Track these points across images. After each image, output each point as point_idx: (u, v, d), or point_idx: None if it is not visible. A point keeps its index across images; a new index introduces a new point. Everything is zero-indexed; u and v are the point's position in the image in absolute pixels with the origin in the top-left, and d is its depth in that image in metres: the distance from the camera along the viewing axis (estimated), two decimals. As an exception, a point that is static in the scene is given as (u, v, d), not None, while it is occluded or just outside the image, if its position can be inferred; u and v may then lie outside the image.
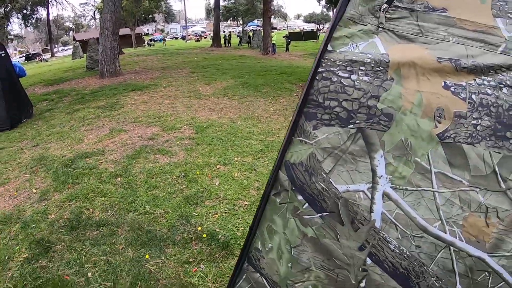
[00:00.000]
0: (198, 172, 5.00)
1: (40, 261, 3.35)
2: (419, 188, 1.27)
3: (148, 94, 10.81)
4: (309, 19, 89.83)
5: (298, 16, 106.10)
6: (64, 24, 77.26)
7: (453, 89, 1.19)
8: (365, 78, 1.29)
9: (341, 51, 1.33)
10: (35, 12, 49.90)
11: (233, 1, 55.53)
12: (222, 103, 9.30)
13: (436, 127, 1.22)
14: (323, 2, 52.03)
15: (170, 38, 74.80)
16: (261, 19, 33.54)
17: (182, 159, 5.54)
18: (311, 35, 46.86)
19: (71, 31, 74.83)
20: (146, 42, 53.45)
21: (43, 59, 45.45)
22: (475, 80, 1.17)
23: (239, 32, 52.31)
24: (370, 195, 1.34)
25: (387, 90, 1.27)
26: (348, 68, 1.31)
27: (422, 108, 1.23)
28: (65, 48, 67.39)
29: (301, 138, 1.45)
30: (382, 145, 1.30)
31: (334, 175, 1.39)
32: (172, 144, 6.22)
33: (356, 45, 1.31)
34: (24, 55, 53.54)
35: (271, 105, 8.95)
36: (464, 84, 1.18)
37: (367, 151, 1.33)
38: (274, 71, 14.79)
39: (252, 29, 48.06)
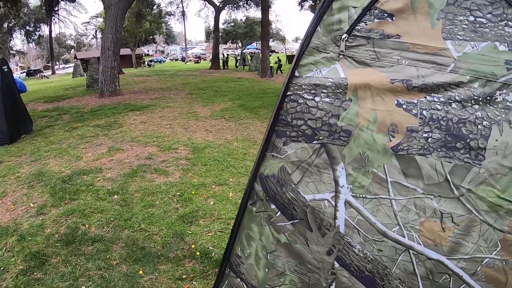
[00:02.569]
0: (193, 192, 5.10)
1: (35, 274, 3.41)
2: (377, 196, 1.41)
3: (147, 115, 11.00)
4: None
5: (296, 39, 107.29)
6: (66, 42, 77.92)
7: (405, 107, 1.33)
8: (327, 99, 1.45)
9: (307, 76, 1.49)
10: (38, 29, 50.70)
11: (233, 24, 56.32)
12: (219, 124, 9.46)
13: (390, 141, 1.35)
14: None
15: (170, 59, 75.42)
16: (260, 42, 34.05)
17: (178, 179, 5.65)
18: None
19: (73, 49, 75.37)
20: (146, 62, 53.67)
21: (44, 75, 45.57)
22: (425, 97, 1.30)
23: (237, 55, 52.73)
24: (333, 203, 1.49)
25: (346, 109, 1.42)
26: (312, 91, 1.47)
27: (377, 125, 1.36)
28: (66, 66, 67.61)
29: (273, 153, 1.61)
30: (343, 158, 1.45)
31: (302, 186, 1.54)
32: (168, 164, 6.34)
33: (320, 71, 1.46)
34: (26, 71, 53.65)
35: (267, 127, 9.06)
36: (415, 101, 1.31)
37: (329, 164, 1.48)
38: (271, 93, 15.03)
39: (251, 52, 48.59)
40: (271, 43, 31.99)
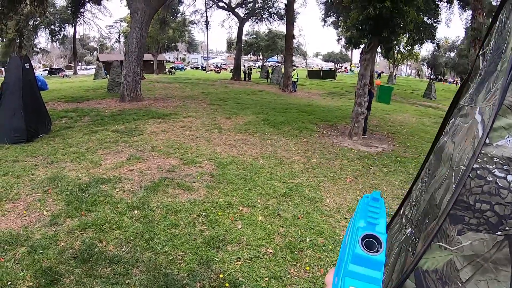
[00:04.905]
0: (220, 213, 4.75)
1: (44, 294, 3.09)
2: None
3: (168, 123, 10.72)
4: (327, 58, 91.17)
5: (317, 55, 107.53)
6: (89, 44, 79.23)
7: None
8: None
9: (498, 145, 1.13)
10: (63, 29, 51.62)
11: (255, 36, 56.53)
12: (243, 139, 9.14)
13: None
14: (342, 42, 52.71)
15: (191, 68, 75.83)
16: (281, 55, 33.76)
17: (203, 197, 5.30)
18: (330, 74, 46.78)
19: (95, 51, 76.56)
20: (167, 69, 54.04)
21: (65, 75, 46.12)
22: None
23: (258, 67, 52.81)
24: None
25: None
26: (505, 167, 1.11)
27: None
28: (88, 67, 68.71)
29: (440, 244, 1.24)
30: None
31: (471, 285, 1.16)
32: (192, 179, 5.99)
33: None
34: (48, 69, 54.54)
35: (292, 144, 8.76)
36: None
37: (510, 260, 1.11)
38: (294, 109, 14.74)
39: (272, 65, 48.52)
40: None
